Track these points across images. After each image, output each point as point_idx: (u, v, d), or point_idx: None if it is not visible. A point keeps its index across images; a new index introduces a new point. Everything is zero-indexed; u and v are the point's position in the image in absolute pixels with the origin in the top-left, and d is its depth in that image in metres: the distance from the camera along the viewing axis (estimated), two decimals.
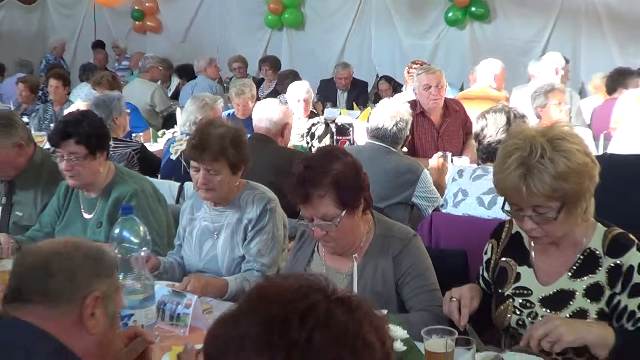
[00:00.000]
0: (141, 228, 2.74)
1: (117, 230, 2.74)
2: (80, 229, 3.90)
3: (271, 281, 1.46)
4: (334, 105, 9.63)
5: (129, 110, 5.93)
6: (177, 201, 4.89)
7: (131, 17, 14.44)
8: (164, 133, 7.26)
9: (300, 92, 6.90)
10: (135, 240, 2.72)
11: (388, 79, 10.72)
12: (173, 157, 5.34)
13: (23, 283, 1.94)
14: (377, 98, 9.56)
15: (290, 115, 5.35)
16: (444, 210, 3.99)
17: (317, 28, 13.18)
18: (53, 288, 1.91)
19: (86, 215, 3.92)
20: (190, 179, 4.98)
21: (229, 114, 7.10)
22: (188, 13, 14.05)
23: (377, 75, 12.05)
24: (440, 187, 4.66)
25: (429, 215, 4.15)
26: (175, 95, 10.60)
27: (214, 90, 9.55)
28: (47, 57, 13.54)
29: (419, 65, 7.48)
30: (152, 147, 6.55)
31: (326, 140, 6.28)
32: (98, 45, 14.25)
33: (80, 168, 3.72)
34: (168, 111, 9.01)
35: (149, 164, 5.65)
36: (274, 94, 9.22)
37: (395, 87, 10.11)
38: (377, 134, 4.70)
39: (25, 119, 7.84)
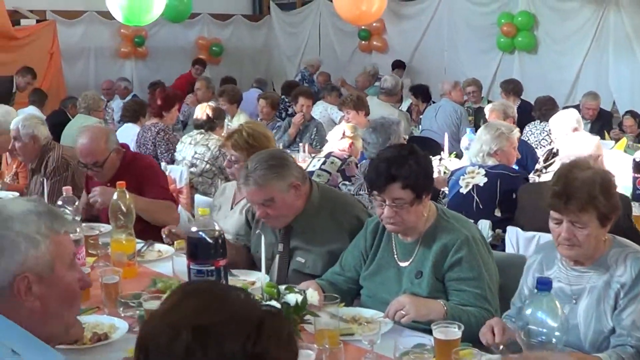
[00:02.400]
0: (559, 309, 2.22)
1: (528, 311, 2.24)
2: (394, 277, 3.45)
3: None
4: None
5: (406, 137, 5.53)
6: None
7: (358, 37, 14.27)
8: None
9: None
10: (553, 325, 2.21)
11: (633, 114, 9.88)
12: (463, 190, 4.88)
13: None
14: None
15: (601, 147, 4.79)
16: None
17: (550, 51, 12.46)
18: None
19: (401, 263, 3.48)
20: (483, 216, 4.63)
21: None
22: (415, 33, 13.73)
23: (614, 103, 11.38)
24: None
25: None
26: None
27: (459, 115, 9.13)
28: (303, 72, 13.54)
29: None
30: None
31: None
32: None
33: (404, 214, 3.26)
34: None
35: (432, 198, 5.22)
36: None
37: None
38: None
39: None
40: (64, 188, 3.94)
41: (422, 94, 11.01)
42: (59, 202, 3.87)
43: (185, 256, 3.07)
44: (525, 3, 12.33)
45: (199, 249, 2.98)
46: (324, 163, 5.85)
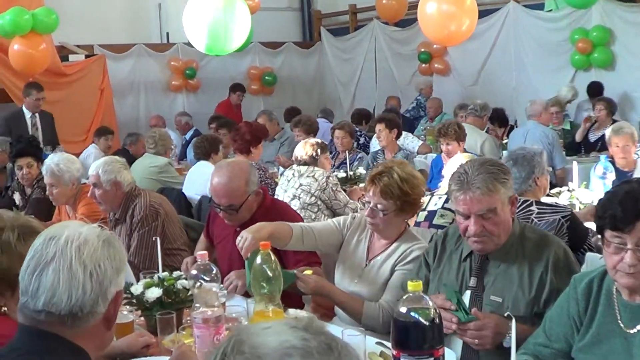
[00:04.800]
0: None
1: None
2: (621, 348, 2.69)
3: None
4: None
5: (550, 168, 4.76)
6: None
7: (418, 60, 13.57)
8: None
9: None
10: None
11: None
12: None
13: None
14: None
15: None
16: None
17: (629, 67, 11.69)
18: None
19: (629, 330, 2.71)
20: None
21: None
22: (480, 54, 12.97)
23: None
24: None
25: None
26: None
27: (551, 139, 8.33)
28: (419, 99, 12.80)
29: None
30: None
31: None
32: None
33: None
34: None
35: (580, 234, 4.45)
36: None
37: None
38: None
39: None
40: (198, 253, 3.21)
41: (499, 118, 10.23)
42: (194, 271, 3.14)
43: (391, 344, 2.33)
44: (599, 17, 11.58)
45: (412, 335, 2.25)
46: (446, 201, 5.09)
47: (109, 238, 2.05)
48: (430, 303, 2.31)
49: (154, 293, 3.26)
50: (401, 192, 3.55)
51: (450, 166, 5.53)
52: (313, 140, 6.53)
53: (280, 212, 4.25)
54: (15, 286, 2.49)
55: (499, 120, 10.17)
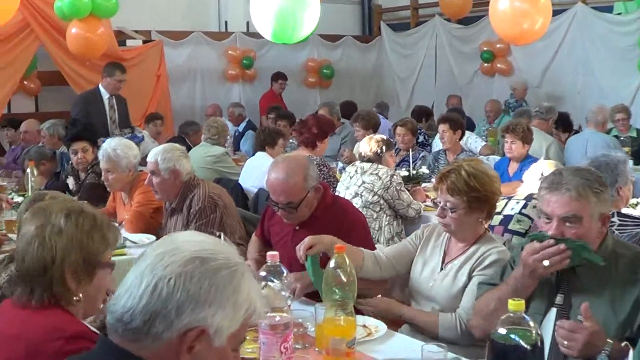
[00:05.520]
0: None
1: None
2: None
3: None
4: None
5: (633, 179, 4.45)
6: None
7: (480, 58, 13.22)
8: None
9: None
10: None
11: None
12: None
13: None
14: None
15: None
16: None
17: None
18: None
19: None
20: None
21: None
22: (545, 55, 12.55)
23: None
24: None
25: None
26: None
27: (612, 147, 7.96)
28: (508, 101, 12.37)
29: None
30: None
31: None
32: None
33: None
34: None
35: None
36: None
37: None
38: None
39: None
40: (268, 254, 2.97)
41: (563, 122, 9.85)
42: (262, 273, 2.91)
43: None
44: None
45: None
46: (524, 207, 4.81)
47: (207, 260, 1.68)
48: (532, 324, 2.07)
49: None
50: (468, 187, 3.38)
51: (533, 172, 5.28)
52: (378, 136, 6.28)
53: (341, 209, 4.05)
54: (94, 274, 2.34)
55: (563, 125, 9.81)
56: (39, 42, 10.80)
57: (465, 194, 3.38)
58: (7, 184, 7.23)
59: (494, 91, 13.07)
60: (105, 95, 8.76)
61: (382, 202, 5.73)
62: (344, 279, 2.79)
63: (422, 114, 10.17)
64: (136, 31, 12.14)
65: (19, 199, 6.04)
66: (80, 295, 2.32)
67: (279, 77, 12.80)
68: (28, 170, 6.13)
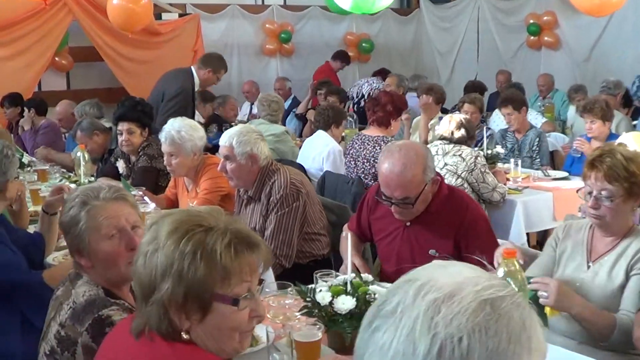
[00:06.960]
0: None
1: None
2: None
3: None
4: None
5: None
6: None
7: (527, 32, 12.70)
8: None
9: None
10: None
11: None
12: None
13: None
14: None
15: None
16: None
17: None
18: None
19: None
20: None
21: None
22: (594, 28, 12.01)
23: None
24: None
25: None
26: None
27: None
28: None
29: None
30: None
31: None
32: None
33: None
34: None
35: None
36: None
37: None
38: None
39: None
40: None
41: (623, 97, 9.39)
42: None
43: None
44: None
45: None
46: None
47: (495, 302, 1.10)
48: None
49: (347, 303, 2.65)
50: (628, 172, 3.04)
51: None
52: (458, 116, 5.84)
53: (459, 201, 3.64)
54: (207, 309, 1.88)
55: (624, 100, 9.36)
56: (72, 17, 10.40)
57: (625, 180, 3.05)
58: (49, 168, 6.85)
59: (542, 65, 12.56)
60: (196, 87, 7.84)
61: (465, 185, 5.33)
62: (515, 289, 2.38)
63: (477, 89, 9.63)
64: (171, 4, 11.69)
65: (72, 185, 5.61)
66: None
67: (343, 59, 12.18)
68: (79, 154, 5.73)
